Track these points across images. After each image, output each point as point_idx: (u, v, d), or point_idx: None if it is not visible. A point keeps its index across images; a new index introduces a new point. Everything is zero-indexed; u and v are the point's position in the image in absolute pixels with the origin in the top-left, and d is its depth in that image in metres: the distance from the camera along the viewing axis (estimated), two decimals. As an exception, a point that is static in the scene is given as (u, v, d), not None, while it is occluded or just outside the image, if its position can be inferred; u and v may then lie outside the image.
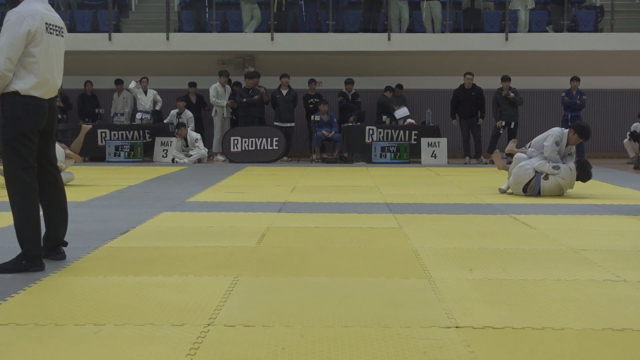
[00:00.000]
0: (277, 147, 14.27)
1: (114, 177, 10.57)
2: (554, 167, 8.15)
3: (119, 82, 15.79)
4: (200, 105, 15.55)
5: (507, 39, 15.40)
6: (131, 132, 14.52)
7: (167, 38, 15.41)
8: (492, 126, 14.33)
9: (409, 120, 14.64)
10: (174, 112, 14.86)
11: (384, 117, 14.56)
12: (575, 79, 14.37)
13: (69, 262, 4.49)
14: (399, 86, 15.64)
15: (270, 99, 14.79)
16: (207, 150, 14.28)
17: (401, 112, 14.67)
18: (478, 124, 14.24)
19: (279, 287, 3.91)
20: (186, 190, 8.81)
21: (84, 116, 15.68)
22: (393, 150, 14.04)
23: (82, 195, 8.01)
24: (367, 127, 14.33)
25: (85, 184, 9.47)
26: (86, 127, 9.71)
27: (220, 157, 14.49)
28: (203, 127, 15.26)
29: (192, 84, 15.43)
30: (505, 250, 4.99)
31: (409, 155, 14.06)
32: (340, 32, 15.66)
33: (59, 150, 8.27)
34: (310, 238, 5.43)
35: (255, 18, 15.66)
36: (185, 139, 14.02)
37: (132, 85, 14.94)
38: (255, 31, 15.68)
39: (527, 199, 8.04)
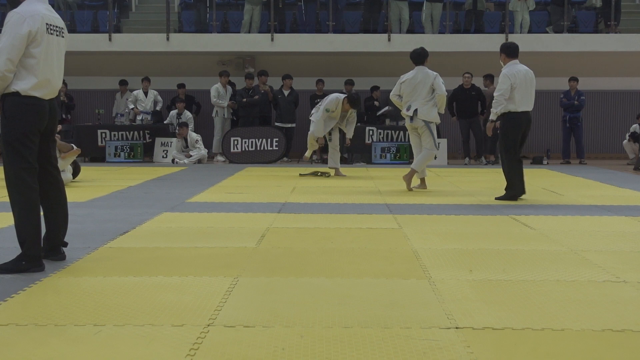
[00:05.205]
0: (277, 148, 14.27)
1: (114, 178, 10.57)
2: None
3: (123, 82, 15.76)
4: (190, 105, 15.48)
5: (507, 39, 15.37)
6: (131, 132, 14.51)
7: (168, 38, 15.40)
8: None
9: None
10: (173, 112, 14.85)
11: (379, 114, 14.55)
12: (573, 79, 14.37)
13: (69, 263, 4.49)
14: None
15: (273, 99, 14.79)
16: (207, 150, 14.28)
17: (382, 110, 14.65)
18: (481, 118, 14.05)
19: (279, 287, 3.91)
20: (186, 190, 8.81)
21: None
22: (393, 151, 14.05)
23: (82, 196, 8.01)
24: (367, 128, 14.33)
25: (85, 184, 9.47)
26: (77, 151, 9.41)
27: (220, 158, 14.48)
28: (195, 128, 15.12)
29: (181, 85, 15.40)
30: (505, 251, 4.99)
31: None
32: (340, 33, 15.65)
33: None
34: (310, 239, 5.43)
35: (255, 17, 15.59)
36: (186, 140, 14.03)
37: (130, 106, 15.03)
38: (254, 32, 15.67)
39: (527, 199, 8.04)
